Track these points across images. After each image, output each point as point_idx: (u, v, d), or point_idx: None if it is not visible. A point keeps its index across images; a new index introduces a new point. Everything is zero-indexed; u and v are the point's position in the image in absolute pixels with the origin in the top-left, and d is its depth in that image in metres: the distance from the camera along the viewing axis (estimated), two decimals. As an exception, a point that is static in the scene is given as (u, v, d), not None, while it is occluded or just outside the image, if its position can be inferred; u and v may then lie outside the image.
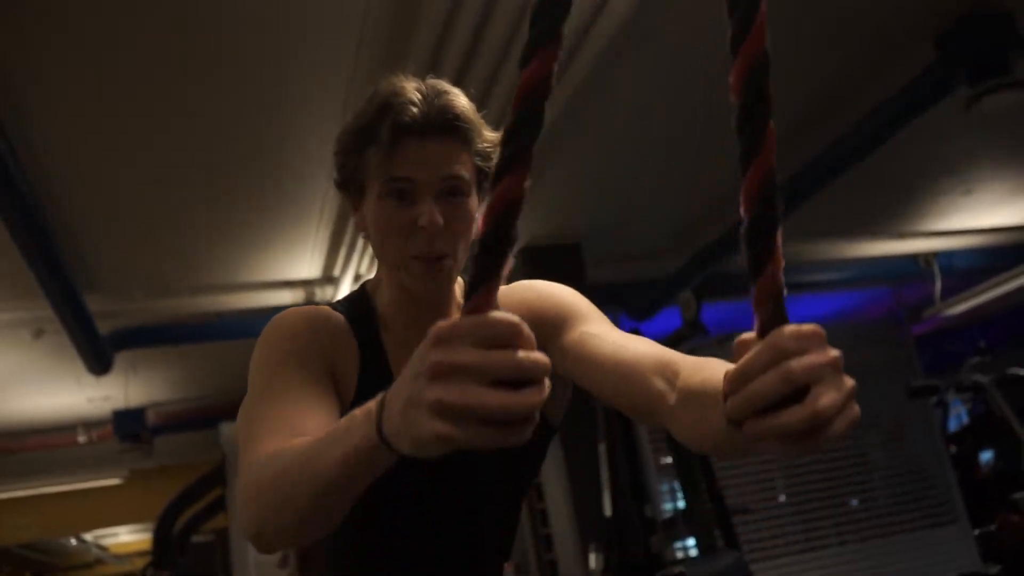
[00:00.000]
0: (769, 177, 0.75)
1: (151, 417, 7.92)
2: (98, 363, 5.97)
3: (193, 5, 3.26)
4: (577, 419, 5.57)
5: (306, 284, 6.03)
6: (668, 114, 4.51)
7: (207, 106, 3.90)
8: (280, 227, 5.13)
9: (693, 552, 5.99)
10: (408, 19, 3.48)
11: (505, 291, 1.47)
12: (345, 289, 5.88)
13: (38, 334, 5.85)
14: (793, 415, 0.72)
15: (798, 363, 0.72)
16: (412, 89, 1.29)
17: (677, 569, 3.69)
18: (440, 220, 1.28)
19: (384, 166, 1.28)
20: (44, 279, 4.58)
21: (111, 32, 3.34)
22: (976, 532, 7.62)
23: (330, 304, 1.45)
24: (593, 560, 5.17)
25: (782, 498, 7.43)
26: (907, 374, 7.65)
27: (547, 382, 0.73)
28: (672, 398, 1.15)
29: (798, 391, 0.72)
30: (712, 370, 1.07)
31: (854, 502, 7.67)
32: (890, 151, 4.83)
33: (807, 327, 0.75)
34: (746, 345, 0.77)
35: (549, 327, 1.41)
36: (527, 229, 5.25)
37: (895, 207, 6.54)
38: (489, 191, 0.70)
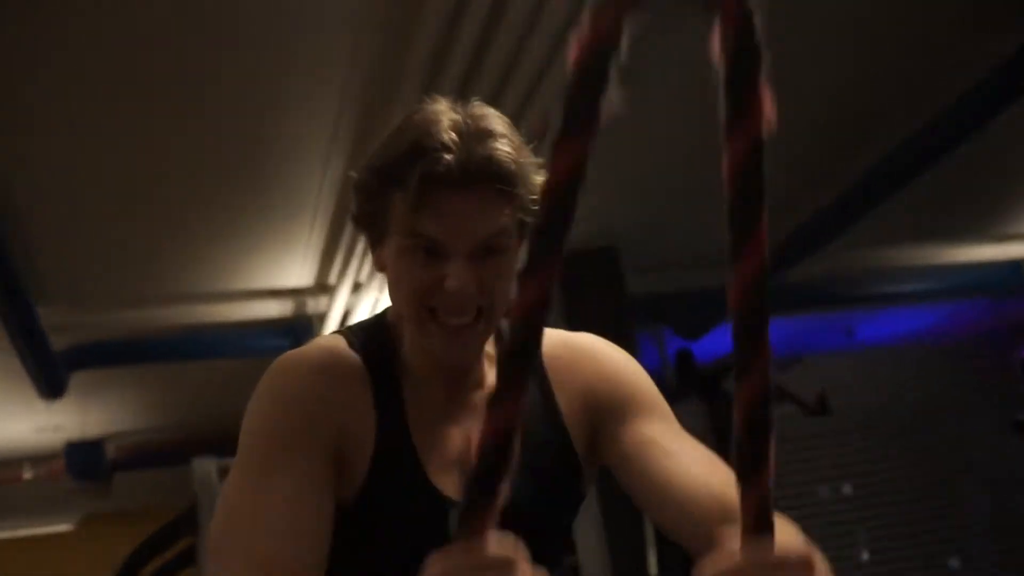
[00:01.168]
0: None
1: (110, 451, 7.96)
2: (50, 386, 6.00)
3: (167, 7, 3.43)
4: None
5: (296, 293, 6.09)
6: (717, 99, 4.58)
7: (187, 100, 4.04)
8: (266, 227, 5.22)
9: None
10: (405, 19, 3.63)
11: (559, 345, 1.53)
12: (342, 301, 5.94)
13: (-21, 351, 5.85)
14: None
15: None
16: (447, 127, 1.28)
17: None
18: (472, 287, 1.30)
19: (410, 219, 1.29)
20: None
21: (73, 32, 3.50)
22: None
23: (345, 333, 1.48)
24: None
25: (864, 556, 7.34)
26: (1012, 405, 7.58)
27: None
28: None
29: None
30: (783, 523, 1.14)
31: (954, 563, 7.55)
32: (985, 140, 4.88)
33: (794, 554, 0.88)
34: (720, 560, 0.88)
35: (604, 412, 1.48)
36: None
37: (992, 205, 6.53)
38: (515, 291, 0.75)
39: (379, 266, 1.42)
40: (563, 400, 1.49)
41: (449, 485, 1.40)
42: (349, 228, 5.12)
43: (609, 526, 5.65)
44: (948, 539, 7.53)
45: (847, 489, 7.37)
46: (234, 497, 1.29)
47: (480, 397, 1.46)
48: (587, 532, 5.90)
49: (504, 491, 0.79)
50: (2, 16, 3.34)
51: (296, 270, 5.79)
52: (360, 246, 5.29)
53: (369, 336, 1.47)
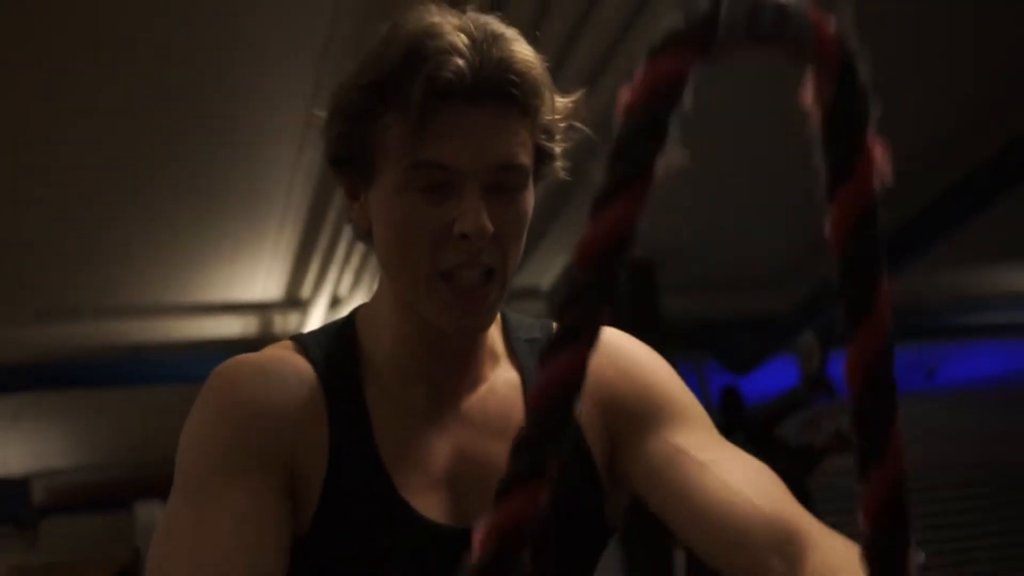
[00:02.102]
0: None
1: (37, 492, 7.94)
2: None
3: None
4: (643, 512, 5.52)
5: (261, 308, 6.07)
6: (775, 109, 4.50)
7: (130, 75, 3.98)
8: (225, 228, 5.15)
9: None
10: (375, 26, 3.55)
11: None
12: (318, 318, 5.88)
13: None
14: None
15: None
16: (452, 28, 1.20)
17: None
18: (491, 227, 1.22)
19: (411, 144, 1.21)
20: None
21: (40, 37, 3.52)
22: None
23: (298, 340, 1.43)
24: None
25: None
26: None
27: None
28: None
29: None
30: (850, 559, 1.06)
31: None
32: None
33: None
34: None
35: (627, 417, 1.40)
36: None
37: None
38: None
39: (363, 224, 1.33)
40: (584, 417, 1.40)
41: (432, 507, 1.34)
42: (327, 232, 5.06)
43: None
44: None
45: (918, 556, 7.48)
46: (174, 523, 1.23)
47: (477, 400, 1.40)
48: None
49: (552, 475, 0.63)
50: None
51: (261, 281, 5.74)
52: (340, 252, 5.24)
53: (329, 340, 1.41)
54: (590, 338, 0.63)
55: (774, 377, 6.67)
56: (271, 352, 1.39)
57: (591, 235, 0.62)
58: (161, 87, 4.11)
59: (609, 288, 0.63)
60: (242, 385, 1.32)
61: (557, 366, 0.62)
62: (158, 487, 6.97)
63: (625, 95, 0.62)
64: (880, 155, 0.64)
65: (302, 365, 1.35)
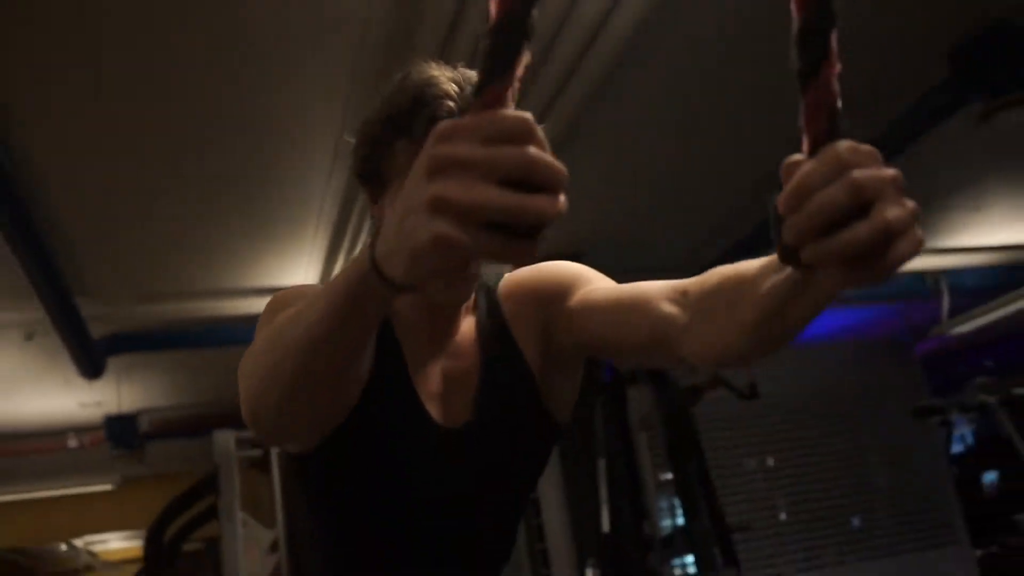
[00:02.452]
0: None
1: (144, 424, 7.88)
2: (90, 367, 5.94)
3: (191, 12, 3.22)
4: (576, 432, 5.52)
5: (303, 291, 5.98)
6: (685, 116, 4.44)
7: (203, 110, 3.85)
8: (277, 233, 5.08)
9: (692, 570, 5.94)
10: (409, 25, 3.44)
11: (511, 281, 1.45)
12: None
13: (29, 337, 5.80)
14: (860, 229, 0.67)
15: (862, 173, 0.69)
16: (447, 80, 1.23)
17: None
18: None
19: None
20: (36, 281, 4.55)
21: (104, 35, 3.30)
22: (978, 554, 7.62)
23: None
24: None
25: (783, 516, 7.48)
26: (913, 394, 7.65)
27: (563, 198, 0.66)
28: (685, 316, 1.11)
29: (862, 207, 0.68)
30: (730, 269, 1.02)
31: (855, 521, 7.69)
32: (899, 166, 4.71)
33: (865, 145, 0.72)
34: (796, 166, 0.73)
35: (552, 302, 1.38)
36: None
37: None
38: None
39: (380, 222, 1.31)
40: (518, 329, 1.41)
41: (434, 412, 1.35)
42: (351, 231, 5.00)
43: (569, 491, 5.60)
44: (854, 502, 7.73)
45: (770, 462, 7.55)
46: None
47: (458, 341, 1.41)
48: (550, 497, 5.87)
49: (524, 61, 0.66)
50: (30, 22, 3.15)
51: (303, 269, 5.65)
52: (360, 247, 5.15)
53: None
54: (520, 50, 0.65)
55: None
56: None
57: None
58: (241, 131, 4.05)
59: (525, 26, 0.64)
60: (300, 287, 1.33)
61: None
62: (229, 419, 7.01)
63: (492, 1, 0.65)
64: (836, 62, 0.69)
65: None
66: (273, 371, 1.00)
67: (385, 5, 3.29)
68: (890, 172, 0.71)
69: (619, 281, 1.32)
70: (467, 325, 1.43)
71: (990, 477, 8.58)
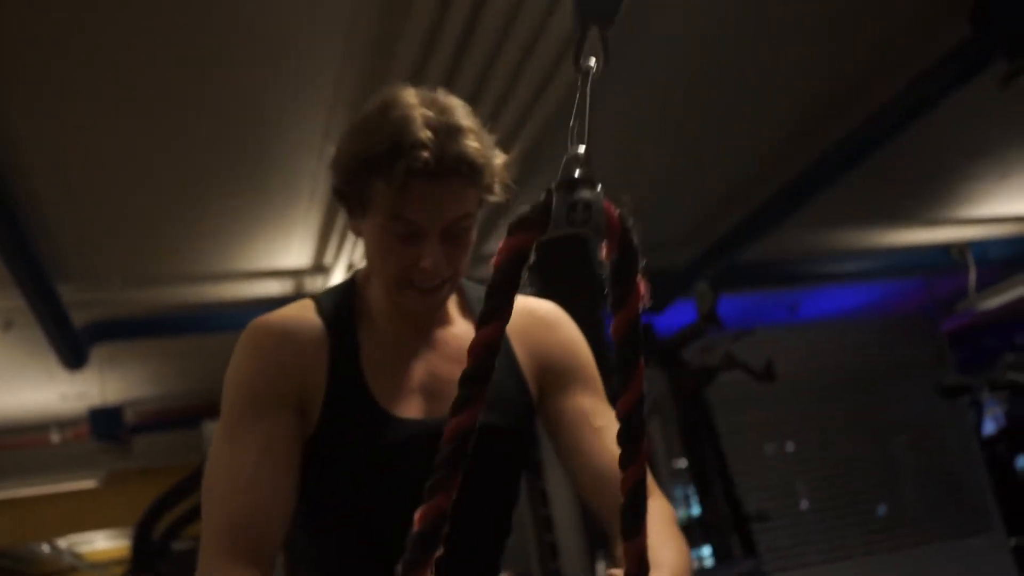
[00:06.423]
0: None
1: (129, 416, 7.89)
2: (72, 357, 5.95)
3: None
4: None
5: (295, 274, 6.03)
6: (682, 96, 4.50)
7: (188, 87, 3.89)
8: (267, 214, 5.12)
9: (709, 561, 6.00)
10: (399, 10, 3.50)
11: (523, 310, 1.57)
12: (337, 279, 5.81)
13: (7, 326, 5.83)
14: None
15: None
16: (422, 125, 1.32)
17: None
18: (443, 263, 1.39)
19: (392, 205, 1.34)
20: (13, 267, 4.57)
21: (85, 16, 3.35)
22: (1012, 542, 7.59)
23: (316, 297, 1.55)
24: (601, 569, 5.16)
25: (804, 504, 7.43)
26: (939, 372, 7.62)
27: None
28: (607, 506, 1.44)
29: None
30: (655, 527, 1.13)
31: (882, 510, 7.64)
32: (920, 133, 4.81)
33: None
34: None
35: (553, 374, 1.57)
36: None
37: (925, 193, 6.49)
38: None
39: (356, 232, 1.47)
40: (520, 354, 1.57)
41: (411, 408, 1.47)
42: (343, 214, 4.99)
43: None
44: (879, 489, 7.66)
45: (790, 446, 7.49)
46: (216, 449, 1.40)
47: (442, 336, 1.55)
48: (559, 487, 5.89)
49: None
50: (5, 4, 3.22)
51: (295, 252, 5.71)
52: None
53: (337, 296, 1.55)
54: (505, 315, 0.86)
55: (678, 315, 6.73)
56: (291, 310, 1.51)
57: (479, 340, 0.86)
58: (231, 110, 4.09)
59: (512, 290, 0.85)
60: (266, 346, 1.44)
61: (485, 332, 0.85)
62: (218, 409, 7.06)
63: (495, 257, 0.85)
64: (643, 289, 0.92)
65: (312, 318, 1.49)
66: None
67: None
68: None
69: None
70: (465, 328, 1.57)
71: (1024, 461, 8.58)
